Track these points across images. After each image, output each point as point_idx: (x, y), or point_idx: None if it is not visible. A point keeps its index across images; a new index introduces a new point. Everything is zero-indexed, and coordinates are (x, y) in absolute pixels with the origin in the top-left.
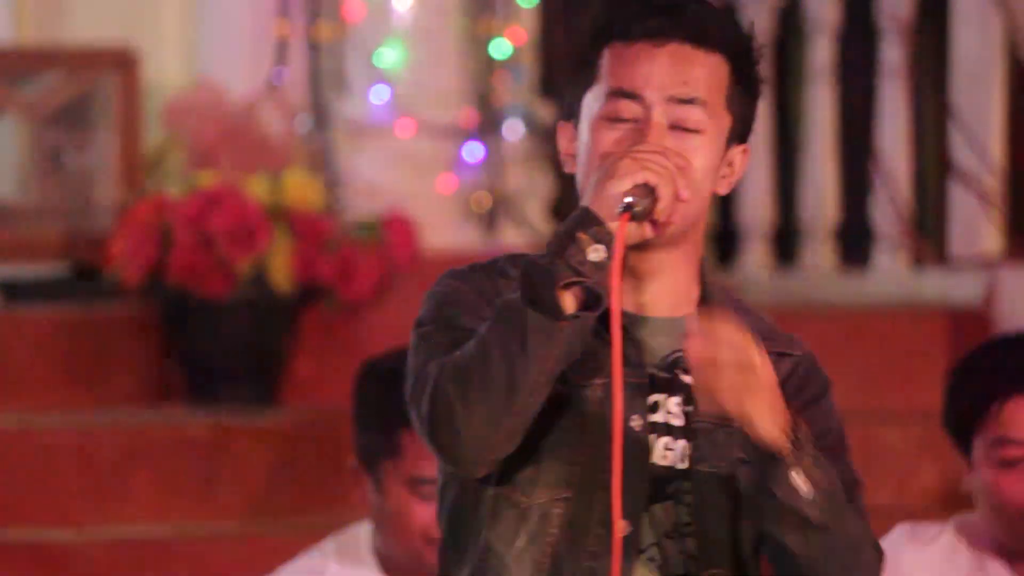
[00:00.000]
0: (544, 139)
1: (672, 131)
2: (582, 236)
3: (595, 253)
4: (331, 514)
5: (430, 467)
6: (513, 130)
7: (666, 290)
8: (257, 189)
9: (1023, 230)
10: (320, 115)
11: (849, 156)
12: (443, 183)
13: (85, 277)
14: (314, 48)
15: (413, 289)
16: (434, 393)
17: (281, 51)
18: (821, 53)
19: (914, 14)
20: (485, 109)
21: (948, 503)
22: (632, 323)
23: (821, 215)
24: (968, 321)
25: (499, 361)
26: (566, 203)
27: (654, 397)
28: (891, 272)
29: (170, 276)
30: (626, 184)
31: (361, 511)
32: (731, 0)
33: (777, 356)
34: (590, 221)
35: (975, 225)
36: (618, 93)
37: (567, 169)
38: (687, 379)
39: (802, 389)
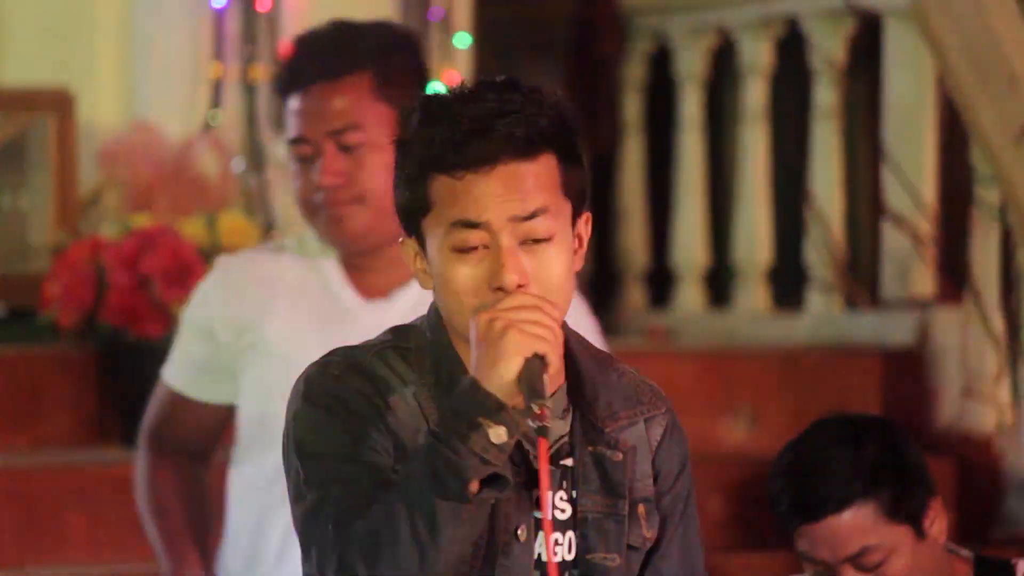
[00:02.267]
0: None
1: (524, 247)
2: (483, 421)
3: (498, 437)
4: None
5: None
6: None
7: None
8: (193, 230)
9: (955, 272)
10: (256, 156)
11: (782, 198)
12: None
13: (20, 318)
14: (249, 89)
15: None
16: (340, 559)
17: (216, 92)
18: (755, 95)
19: (847, 57)
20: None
21: None
22: None
23: (754, 257)
24: (901, 362)
25: (410, 547)
26: None
27: (537, 492)
28: (824, 314)
29: (106, 317)
30: (518, 363)
31: None
32: (665, 40)
33: (647, 421)
34: (487, 404)
35: (907, 267)
36: (460, 224)
37: (423, 287)
38: (567, 462)
39: (671, 452)
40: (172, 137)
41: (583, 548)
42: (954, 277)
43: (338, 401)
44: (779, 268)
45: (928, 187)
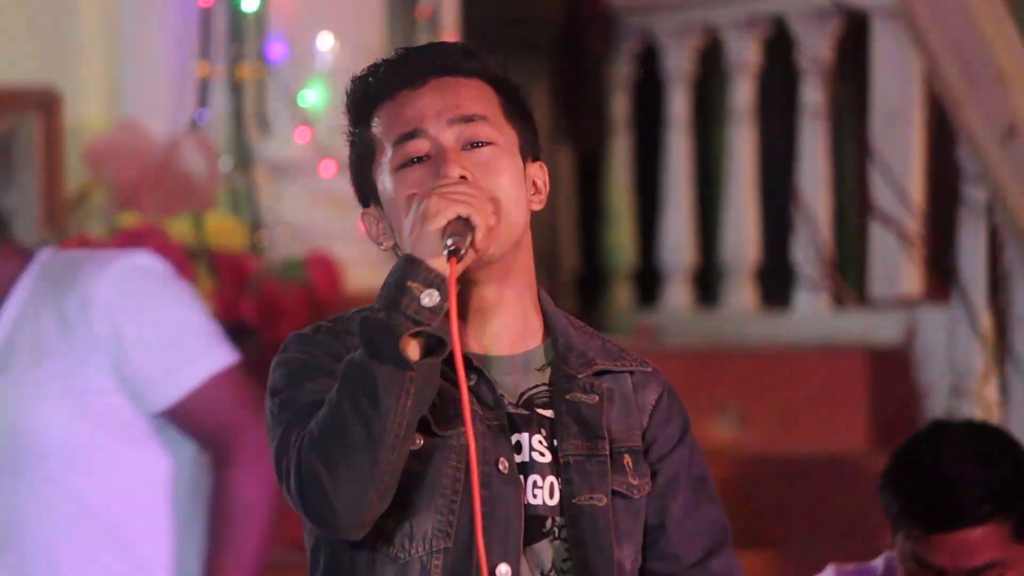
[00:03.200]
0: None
1: (465, 151)
2: (412, 285)
3: (428, 298)
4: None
5: None
6: None
7: (508, 326)
8: (179, 229)
9: (943, 271)
10: (243, 156)
11: (770, 197)
12: None
13: None
14: (236, 89)
15: None
16: (298, 466)
17: (203, 92)
18: (742, 94)
19: (834, 56)
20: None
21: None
22: (482, 364)
23: (742, 256)
24: (888, 361)
25: (355, 422)
26: None
27: (515, 437)
28: (812, 312)
29: None
30: (440, 221)
31: None
32: (652, 39)
33: (633, 375)
34: (416, 268)
35: (895, 266)
36: (401, 138)
37: (384, 248)
38: (546, 413)
39: (670, 420)
40: (159, 136)
41: (568, 492)
42: (942, 276)
43: (309, 349)
44: (767, 267)
45: (915, 186)
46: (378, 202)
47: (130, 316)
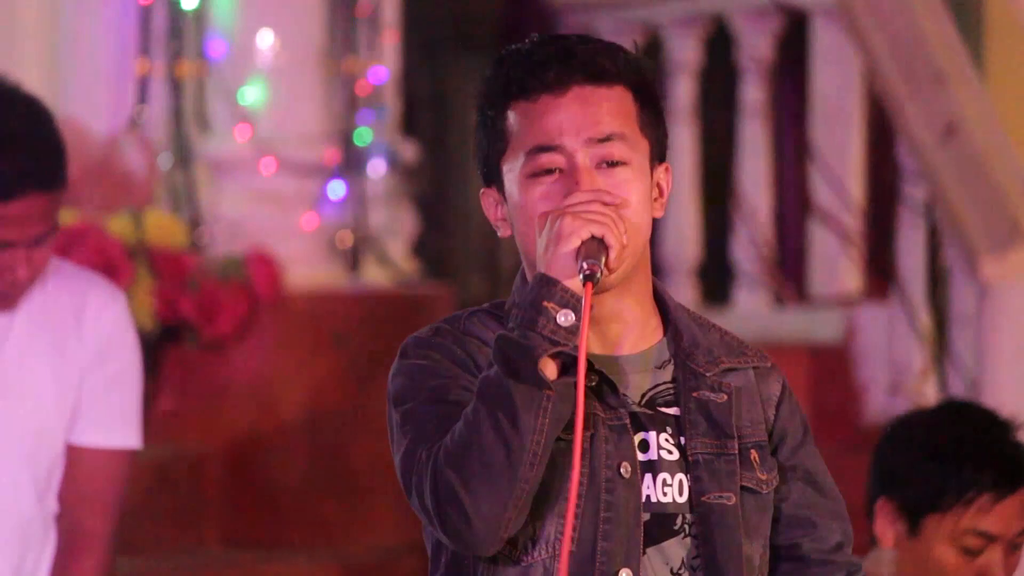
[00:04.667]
0: (406, 177)
1: (599, 170)
2: (548, 305)
3: (564, 318)
4: (192, 551)
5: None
6: (376, 168)
7: (629, 328)
8: (119, 227)
9: (882, 269)
10: (182, 153)
11: (710, 195)
12: (306, 221)
13: None
14: (176, 86)
15: (276, 327)
16: (435, 483)
17: (143, 89)
18: (683, 92)
19: (774, 54)
20: (348, 147)
21: None
22: (605, 365)
23: (682, 253)
24: (828, 358)
25: (494, 441)
26: (428, 241)
27: (641, 435)
28: (752, 310)
29: None
30: (575, 242)
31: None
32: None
33: (755, 370)
34: (552, 288)
35: (835, 264)
36: (536, 150)
37: (501, 234)
38: (670, 411)
39: (794, 414)
40: (98, 134)
41: (697, 490)
42: (881, 274)
43: (429, 353)
44: (707, 265)
45: (855, 184)
46: (500, 187)
47: (117, 352)
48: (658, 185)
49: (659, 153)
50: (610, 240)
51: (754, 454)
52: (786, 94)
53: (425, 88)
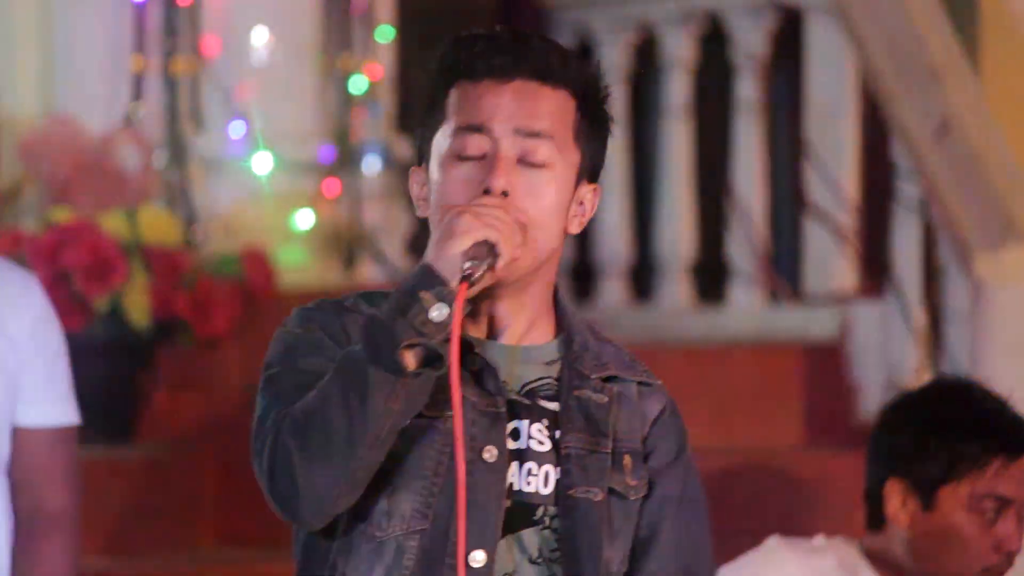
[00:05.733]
0: (401, 175)
1: (520, 165)
2: (424, 295)
3: (437, 312)
4: (188, 550)
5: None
6: (370, 166)
7: (521, 319)
8: (113, 224)
9: (877, 266)
10: (177, 150)
11: (705, 192)
12: (301, 219)
13: None
14: (171, 83)
15: (270, 324)
16: (274, 446)
17: (137, 86)
18: (677, 90)
19: (769, 51)
20: (342, 145)
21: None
22: (489, 351)
23: (677, 251)
24: (823, 356)
25: (340, 416)
26: (423, 239)
27: (514, 424)
28: (747, 308)
29: None
30: (466, 242)
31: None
32: (587, 34)
33: (640, 386)
34: (432, 280)
35: (829, 261)
36: (465, 129)
37: (419, 213)
38: (550, 406)
39: (669, 435)
40: (93, 131)
41: (565, 484)
42: (876, 271)
43: (307, 324)
44: (702, 262)
45: (850, 181)
46: (428, 166)
47: (49, 333)
48: (581, 202)
49: (590, 170)
50: (501, 249)
51: (627, 459)
52: (780, 91)
53: (420, 86)
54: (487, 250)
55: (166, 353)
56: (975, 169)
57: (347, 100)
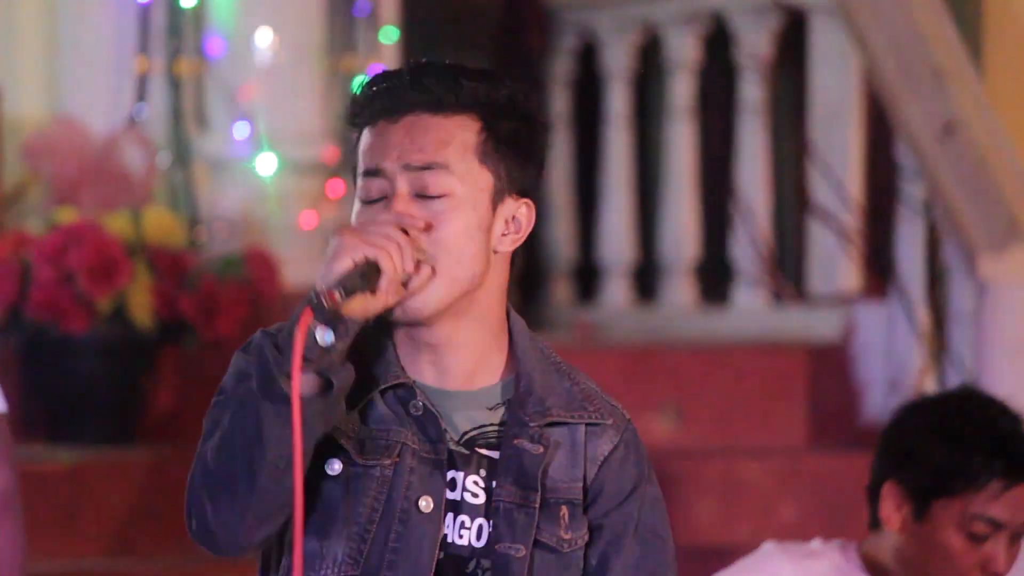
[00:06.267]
0: None
1: (416, 200)
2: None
3: (324, 335)
4: (191, 551)
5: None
6: None
7: (461, 362)
8: (117, 225)
9: (881, 267)
10: (181, 151)
11: (709, 193)
12: (305, 219)
13: None
14: (175, 84)
15: None
16: (189, 485)
17: (142, 87)
18: (681, 90)
19: (773, 52)
20: (347, 145)
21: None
22: (432, 397)
23: (681, 252)
24: (826, 357)
25: (239, 450)
26: None
27: (451, 474)
28: (751, 308)
29: (30, 312)
30: (346, 261)
31: None
32: (591, 35)
33: (588, 427)
34: (314, 305)
35: (833, 262)
36: (366, 174)
37: None
38: (490, 454)
39: (621, 473)
40: (97, 132)
41: (494, 537)
42: (880, 272)
43: (249, 353)
44: (706, 263)
45: (854, 182)
46: None
47: None
48: (512, 219)
49: (515, 187)
50: (384, 265)
51: (564, 510)
52: (785, 92)
53: None
54: (367, 269)
55: (170, 354)
56: (979, 170)
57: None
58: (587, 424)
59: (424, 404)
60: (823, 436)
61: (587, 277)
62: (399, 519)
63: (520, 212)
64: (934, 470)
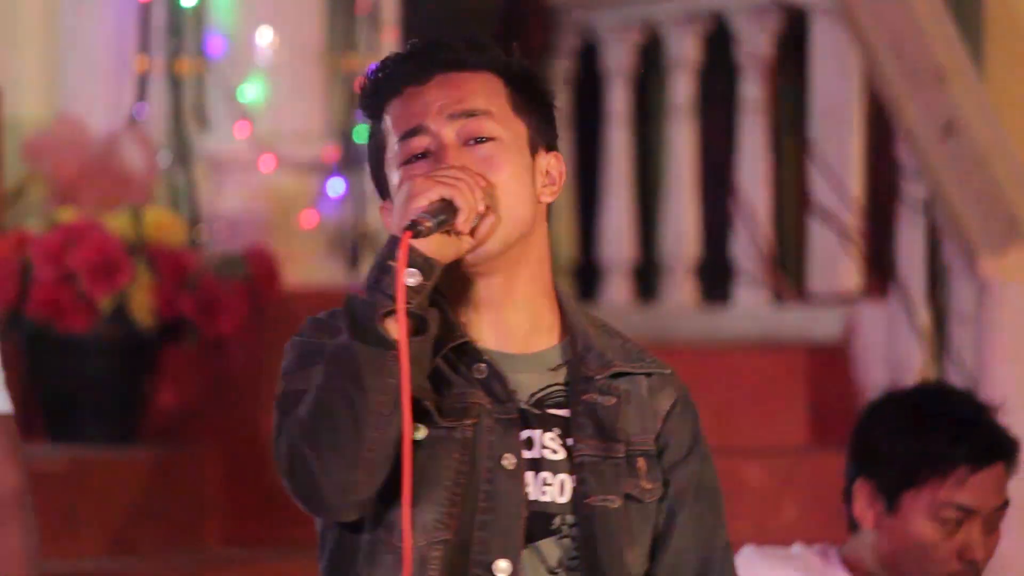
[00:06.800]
0: None
1: (466, 147)
2: (392, 263)
3: (410, 278)
4: (193, 550)
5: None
6: None
7: (521, 323)
8: (118, 224)
9: (881, 266)
10: (182, 150)
11: (709, 192)
12: (306, 218)
13: None
14: (176, 83)
15: (276, 325)
16: (289, 450)
17: (142, 86)
18: (682, 90)
19: (774, 52)
20: (347, 144)
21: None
22: (497, 360)
23: (681, 251)
24: (827, 357)
25: (339, 403)
26: None
27: (526, 433)
28: (751, 308)
29: (30, 311)
30: (422, 202)
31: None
32: (592, 34)
33: (649, 378)
34: (396, 248)
35: (834, 261)
36: (405, 136)
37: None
38: (560, 413)
39: (683, 428)
40: (97, 131)
41: (581, 493)
42: (880, 272)
43: (319, 334)
44: (706, 262)
45: (854, 182)
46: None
47: None
48: (547, 172)
49: (544, 140)
50: (459, 202)
51: (641, 462)
52: (785, 92)
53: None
54: (444, 206)
55: (171, 353)
56: (980, 169)
57: (352, 100)
58: (647, 376)
59: (488, 366)
60: (823, 436)
61: (587, 276)
62: (486, 479)
63: (552, 165)
64: (900, 462)
